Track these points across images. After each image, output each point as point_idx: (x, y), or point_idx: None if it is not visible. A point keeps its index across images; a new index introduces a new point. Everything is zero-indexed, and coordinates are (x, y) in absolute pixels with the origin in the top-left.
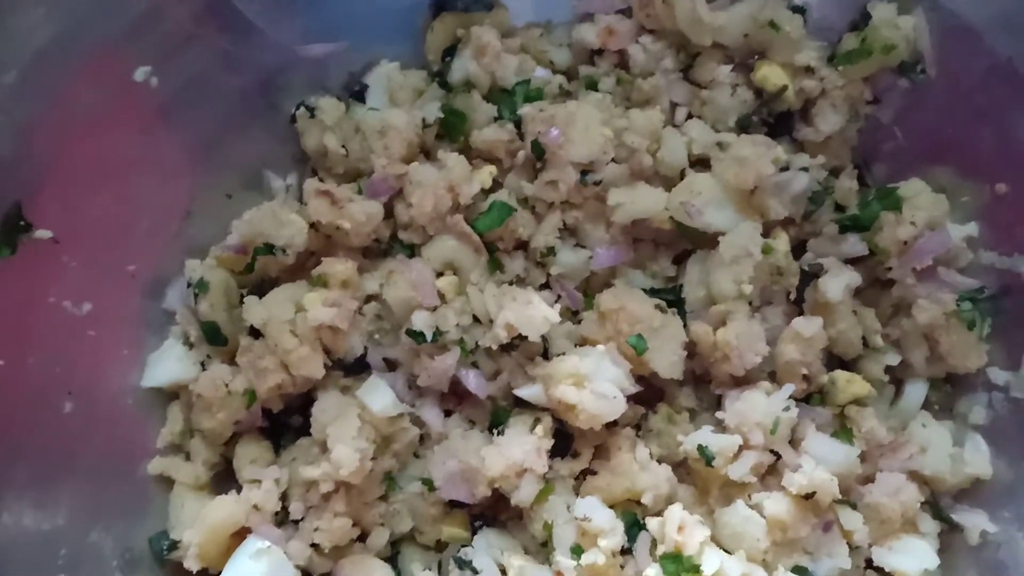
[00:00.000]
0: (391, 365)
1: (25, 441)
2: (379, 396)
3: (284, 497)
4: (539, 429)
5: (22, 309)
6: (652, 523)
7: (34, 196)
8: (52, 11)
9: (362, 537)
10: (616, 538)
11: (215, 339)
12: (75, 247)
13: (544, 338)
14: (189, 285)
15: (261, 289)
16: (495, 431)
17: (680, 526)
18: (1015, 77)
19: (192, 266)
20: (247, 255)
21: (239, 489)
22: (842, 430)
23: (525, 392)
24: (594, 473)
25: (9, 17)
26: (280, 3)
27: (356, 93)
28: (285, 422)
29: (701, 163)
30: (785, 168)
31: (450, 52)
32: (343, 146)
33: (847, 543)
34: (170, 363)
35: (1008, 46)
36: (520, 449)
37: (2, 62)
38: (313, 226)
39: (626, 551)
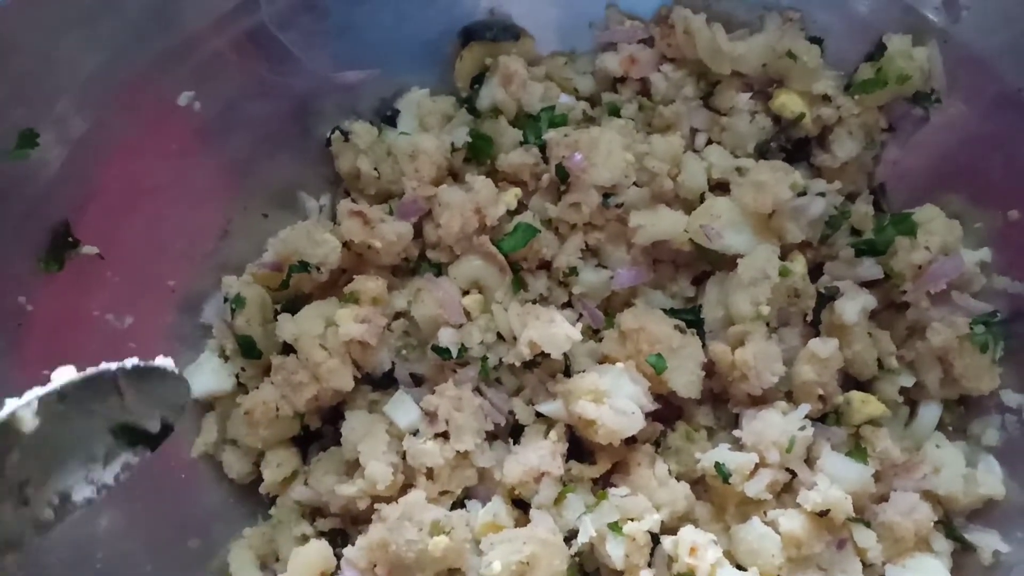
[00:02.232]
0: (417, 380)
1: None
2: (405, 412)
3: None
4: (553, 434)
5: (68, 322)
6: (667, 542)
7: (81, 214)
8: (97, 40)
9: None
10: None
11: (250, 353)
12: (119, 263)
13: (566, 356)
14: (226, 300)
15: (294, 305)
16: (512, 441)
17: (692, 548)
18: None
19: (228, 282)
20: (282, 272)
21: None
22: (857, 449)
23: (546, 408)
24: (613, 485)
25: (58, 47)
26: (316, 32)
27: (387, 118)
28: (314, 430)
29: (720, 187)
30: (802, 193)
31: (478, 79)
32: (375, 169)
33: (861, 560)
34: (206, 375)
35: (1018, 76)
36: (536, 455)
37: (53, 89)
38: (345, 245)
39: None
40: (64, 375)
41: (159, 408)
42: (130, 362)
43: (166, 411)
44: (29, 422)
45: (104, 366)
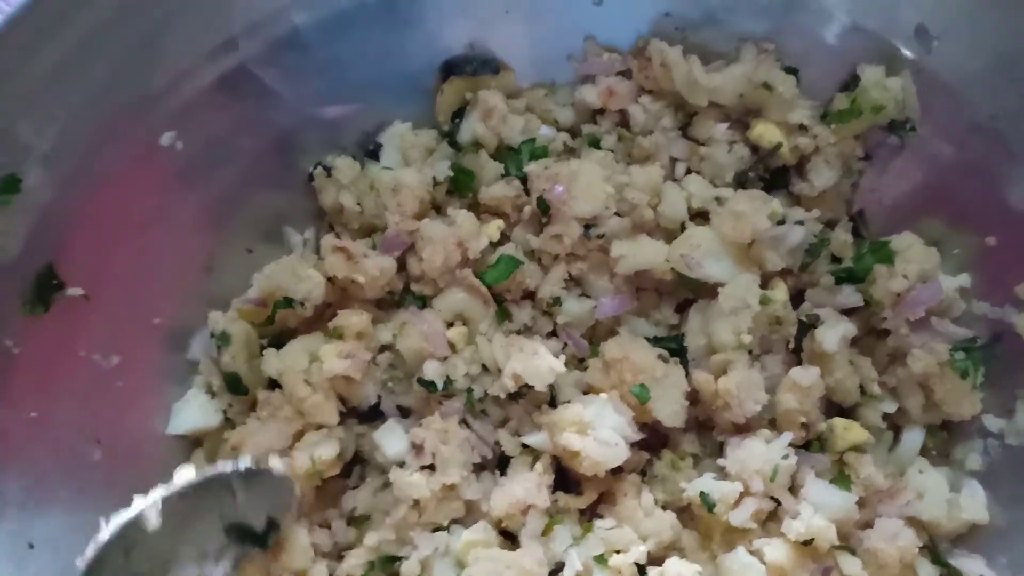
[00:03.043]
0: (404, 412)
1: (57, 488)
2: (393, 441)
3: None
4: (539, 466)
5: (54, 363)
6: (653, 573)
7: (65, 256)
8: (79, 84)
9: None
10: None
11: (237, 389)
12: (104, 303)
13: (551, 386)
14: (212, 336)
15: (280, 339)
16: (499, 472)
17: None
18: (997, 134)
19: (215, 318)
20: (267, 308)
21: None
22: (840, 476)
23: (532, 439)
24: (600, 516)
25: (39, 91)
26: (297, 68)
27: (370, 152)
28: None
29: (700, 216)
30: (781, 221)
31: (459, 113)
32: (358, 203)
33: None
34: (193, 411)
35: (988, 104)
36: (522, 487)
37: (35, 134)
38: (330, 280)
39: None
40: (185, 475)
41: (267, 507)
42: (243, 464)
43: (273, 509)
44: (153, 521)
45: (222, 467)
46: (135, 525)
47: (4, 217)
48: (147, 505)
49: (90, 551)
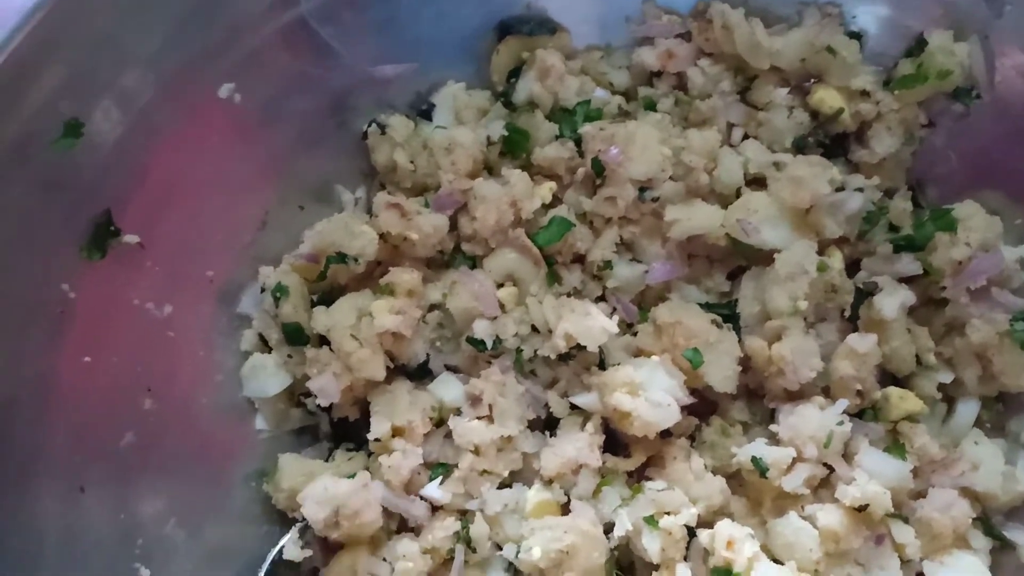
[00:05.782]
0: (452, 371)
1: (108, 435)
2: (450, 389)
3: None
4: (589, 426)
5: (109, 310)
6: (703, 535)
7: (123, 204)
8: (141, 34)
9: None
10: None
11: (298, 339)
12: (159, 253)
13: (601, 349)
14: (263, 290)
15: (329, 297)
16: (548, 433)
17: (729, 541)
18: None
19: (266, 272)
20: (319, 264)
21: None
22: (894, 446)
23: (581, 400)
24: (648, 479)
25: (103, 41)
26: (355, 26)
27: (423, 112)
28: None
29: (757, 182)
30: (840, 188)
31: (514, 73)
32: (411, 162)
33: (899, 557)
34: (265, 379)
35: None
36: (573, 446)
37: (98, 82)
38: (381, 237)
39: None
40: None
41: None
42: None
43: None
44: None
45: None
46: None
47: (66, 161)
48: None
49: None
